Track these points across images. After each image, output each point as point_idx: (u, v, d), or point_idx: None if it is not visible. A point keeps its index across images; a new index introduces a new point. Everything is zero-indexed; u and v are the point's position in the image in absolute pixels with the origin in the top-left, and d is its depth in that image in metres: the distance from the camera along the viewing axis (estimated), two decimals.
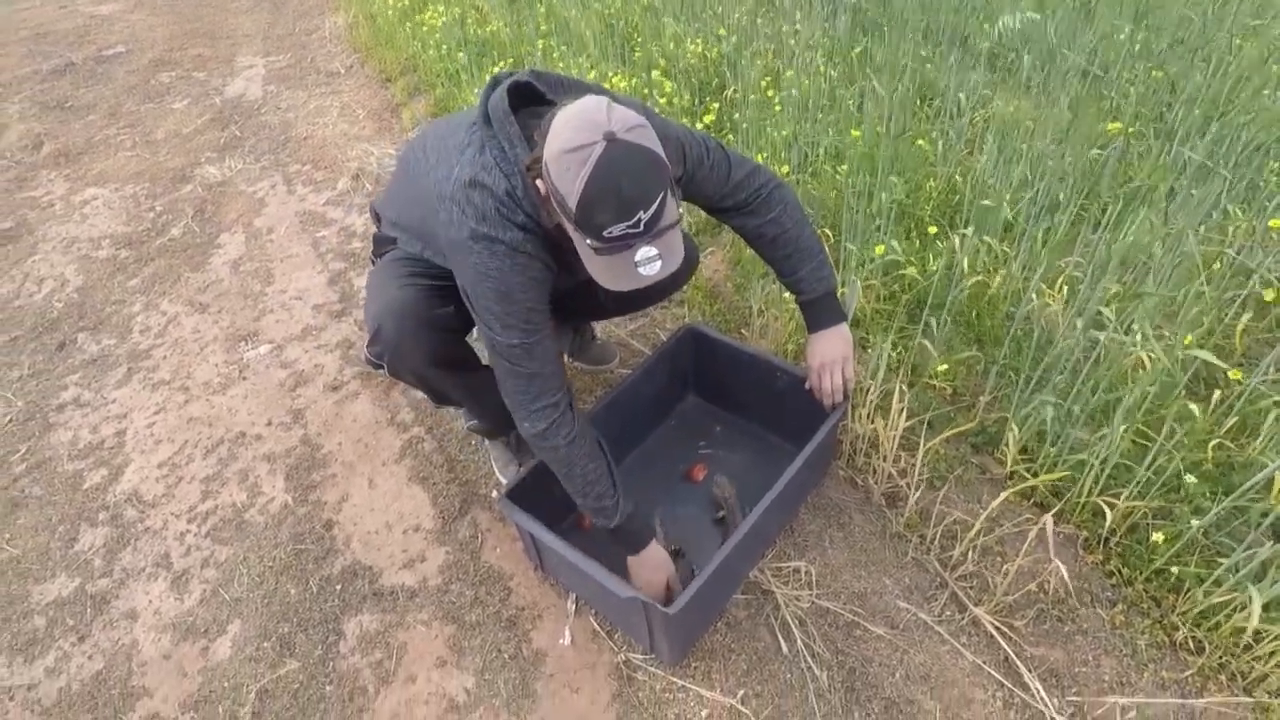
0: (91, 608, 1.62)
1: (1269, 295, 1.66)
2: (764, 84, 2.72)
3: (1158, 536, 1.38)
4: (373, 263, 1.56)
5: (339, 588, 1.59)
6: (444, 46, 3.64)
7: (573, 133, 1.00)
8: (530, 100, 1.18)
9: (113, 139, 3.69)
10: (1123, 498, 1.43)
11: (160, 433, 2.03)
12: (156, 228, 2.94)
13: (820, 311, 1.48)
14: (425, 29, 3.90)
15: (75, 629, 1.58)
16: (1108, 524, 1.43)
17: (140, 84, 4.28)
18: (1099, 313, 1.64)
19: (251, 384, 2.15)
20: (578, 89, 1.20)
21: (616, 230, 1.01)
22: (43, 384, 2.24)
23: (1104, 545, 1.48)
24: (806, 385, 1.52)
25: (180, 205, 3.07)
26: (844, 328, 1.49)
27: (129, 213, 3.06)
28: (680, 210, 1.11)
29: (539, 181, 1.09)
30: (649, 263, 1.07)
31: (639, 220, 1.01)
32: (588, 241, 1.05)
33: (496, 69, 3.42)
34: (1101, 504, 1.44)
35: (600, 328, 2.09)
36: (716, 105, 2.81)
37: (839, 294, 1.49)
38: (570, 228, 1.07)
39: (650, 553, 1.35)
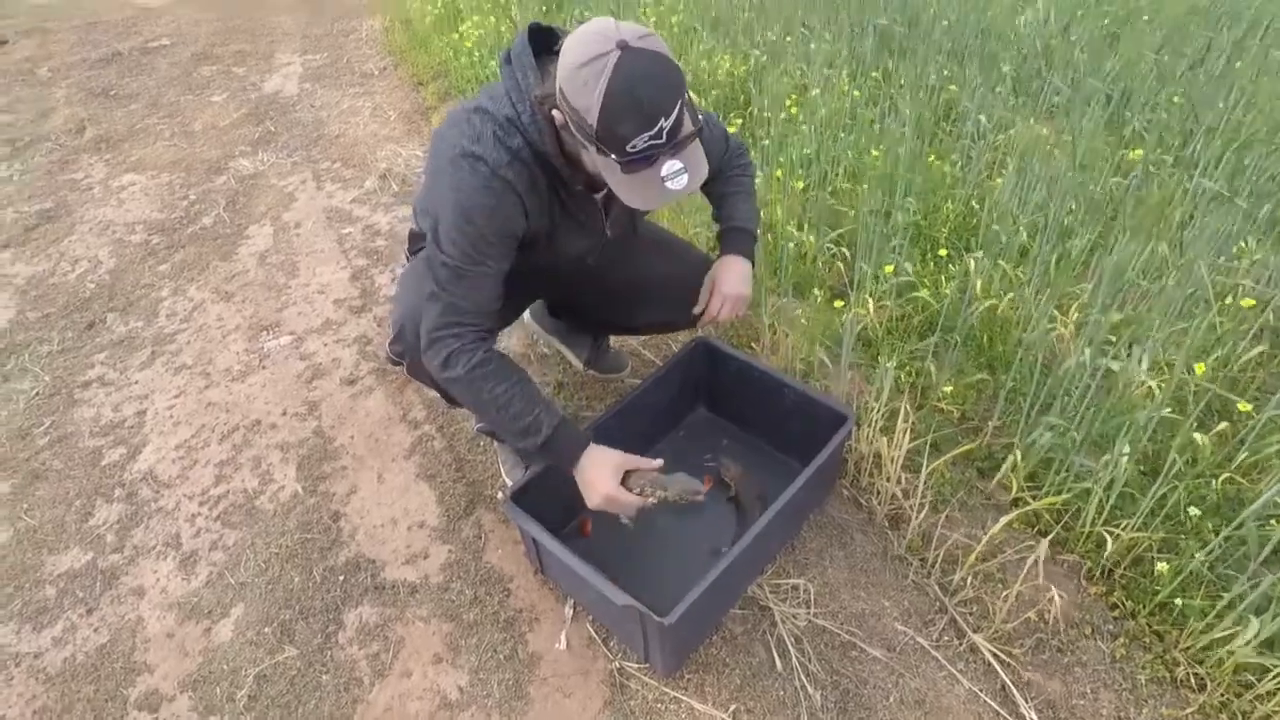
0: (101, 582, 1.65)
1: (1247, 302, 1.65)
2: (788, 102, 2.74)
3: (1162, 567, 1.37)
4: (407, 259, 1.59)
5: (342, 579, 1.61)
6: (476, 54, 3.70)
7: (585, 46, 1.00)
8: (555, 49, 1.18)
9: (152, 128, 3.79)
10: (1125, 528, 1.42)
11: (179, 415, 2.07)
12: (189, 216, 3.01)
13: (741, 240, 1.54)
14: (459, 37, 3.96)
15: (84, 601, 1.61)
16: (1108, 554, 1.42)
17: (182, 76, 4.39)
18: (1106, 340, 1.63)
19: (270, 373, 2.19)
20: None
21: (640, 143, 1.02)
22: (70, 361, 2.30)
23: (1107, 576, 1.47)
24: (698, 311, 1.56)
25: (213, 195, 3.14)
26: (750, 266, 1.54)
27: (163, 200, 3.13)
28: (701, 118, 1.11)
29: (555, 112, 1.09)
30: (675, 177, 1.08)
31: (660, 130, 1.01)
32: (612, 157, 1.05)
33: None
34: (1104, 534, 1.43)
35: (614, 337, 2.10)
36: (740, 121, 2.83)
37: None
38: (593, 149, 1.06)
39: (590, 459, 1.27)
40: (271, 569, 1.64)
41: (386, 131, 3.59)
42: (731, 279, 1.51)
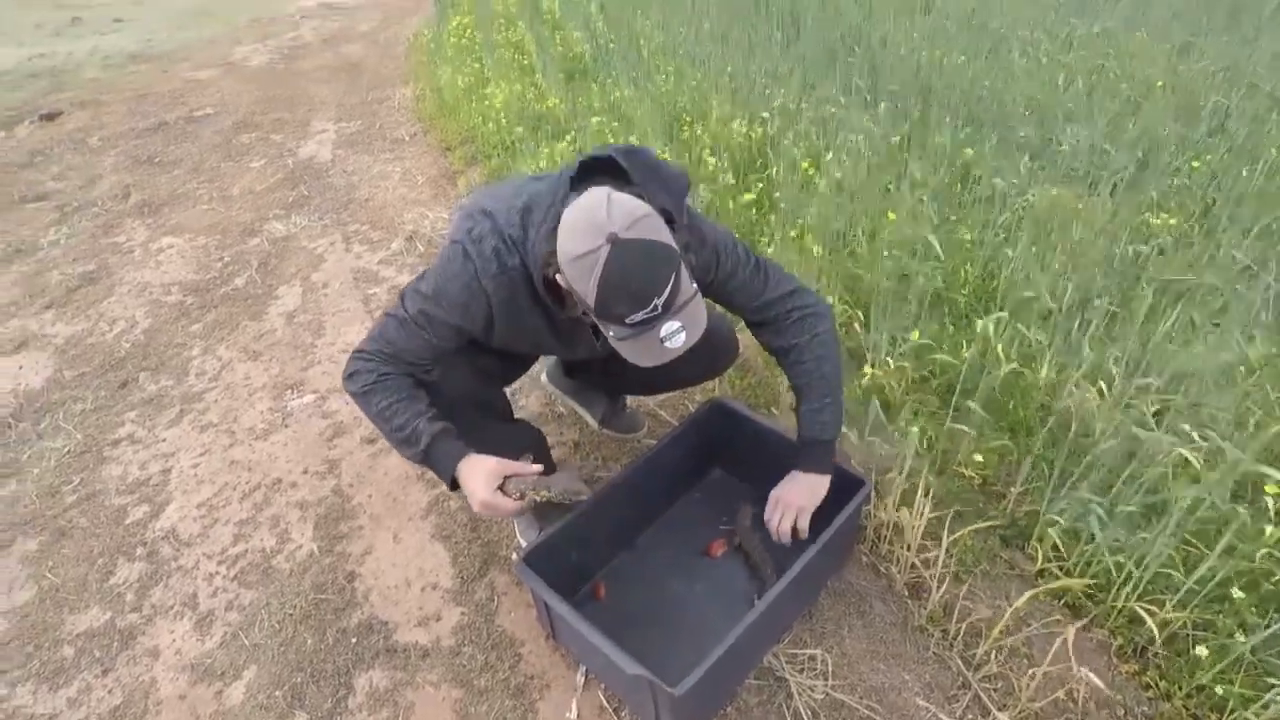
0: (119, 642, 1.66)
1: None
2: (805, 164, 2.79)
3: (1201, 650, 1.31)
4: None
5: (354, 641, 1.60)
6: (503, 119, 3.84)
7: (578, 238, 1.05)
8: (613, 173, 1.19)
9: (193, 193, 3.96)
10: (1165, 607, 1.36)
11: (203, 474, 2.10)
12: (222, 277, 3.11)
13: (804, 454, 1.47)
14: (486, 104, 4.12)
15: (100, 661, 1.62)
16: (1151, 633, 1.36)
17: (223, 143, 4.61)
18: (1133, 407, 1.60)
19: (293, 432, 2.22)
20: (664, 177, 1.22)
21: (637, 317, 1.06)
22: (102, 419, 2.36)
23: (1140, 654, 1.41)
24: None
25: (246, 257, 3.25)
26: (823, 479, 1.46)
27: (199, 262, 3.25)
28: (696, 285, 1.14)
29: (559, 277, 1.14)
30: (673, 336, 1.11)
31: (655, 305, 1.06)
32: (611, 332, 1.11)
33: (550, 141, 3.60)
34: (1140, 611, 1.38)
35: (630, 397, 2.11)
36: (760, 184, 2.88)
37: (836, 442, 1.46)
38: (594, 318, 1.12)
39: (466, 466, 1.30)
40: (285, 630, 1.64)
41: (414, 195, 3.71)
42: (788, 489, 1.47)
